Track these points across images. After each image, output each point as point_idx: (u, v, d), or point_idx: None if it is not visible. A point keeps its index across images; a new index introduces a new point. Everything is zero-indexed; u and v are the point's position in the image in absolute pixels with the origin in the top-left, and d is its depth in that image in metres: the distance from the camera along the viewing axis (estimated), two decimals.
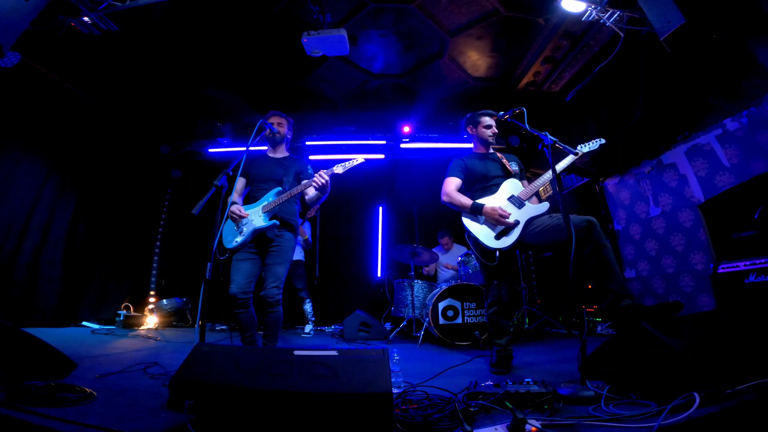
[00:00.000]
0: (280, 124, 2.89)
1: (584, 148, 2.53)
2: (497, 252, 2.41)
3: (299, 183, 2.78)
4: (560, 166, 2.46)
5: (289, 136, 2.99)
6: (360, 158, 2.69)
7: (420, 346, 3.70)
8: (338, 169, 2.61)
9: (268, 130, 2.79)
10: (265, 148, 3.00)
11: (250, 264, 2.59)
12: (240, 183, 2.81)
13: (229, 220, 2.68)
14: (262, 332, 2.63)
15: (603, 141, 2.57)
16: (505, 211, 2.41)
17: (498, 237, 2.41)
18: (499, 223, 2.41)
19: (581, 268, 2.16)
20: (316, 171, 2.61)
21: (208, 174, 6.46)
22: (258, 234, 2.61)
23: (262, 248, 2.64)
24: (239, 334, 2.64)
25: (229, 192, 2.68)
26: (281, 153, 2.94)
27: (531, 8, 4.12)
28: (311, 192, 2.71)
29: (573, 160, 2.45)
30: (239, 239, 2.60)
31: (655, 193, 4.19)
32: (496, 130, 2.81)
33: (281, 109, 3.02)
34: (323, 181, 2.52)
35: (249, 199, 2.78)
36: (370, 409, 1.29)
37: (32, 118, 4.53)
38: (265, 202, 2.65)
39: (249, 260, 2.60)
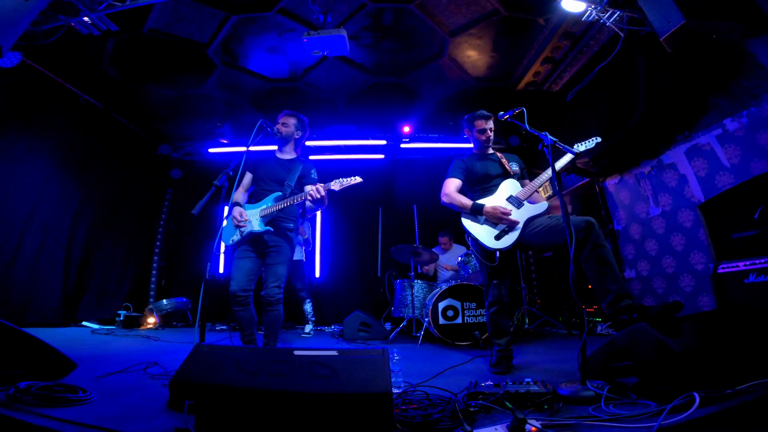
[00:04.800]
0: (284, 124, 2.85)
1: (581, 147, 2.54)
2: (497, 252, 2.41)
3: (302, 187, 2.78)
4: (558, 165, 2.45)
5: (296, 136, 2.91)
6: (358, 178, 2.66)
7: (420, 346, 3.70)
8: (335, 186, 2.58)
9: (270, 130, 2.78)
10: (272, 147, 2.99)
11: (250, 262, 2.60)
12: (247, 178, 2.80)
13: (230, 219, 2.69)
14: (262, 332, 2.64)
15: (599, 139, 2.57)
16: (507, 209, 2.41)
17: (498, 237, 2.41)
18: (501, 222, 2.41)
19: (580, 269, 2.16)
20: (320, 174, 2.62)
21: (208, 174, 6.48)
22: (254, 237, 2.63)
23: (261, 248, 2.66)
24: (239, 332, 2.65)
25: (230, 191, 2.69)
26: (289, 154, 2.91)
27: (531, 8, 4.11)
28: (307, 203, 2.71)
29: (571, 159, 2.45)
30: (236, 238, 2.64)
31: (655, 193, 4.19)
32: (491, 134, 2.77)
33: (281, 109, 3.01)
34: (318, 196, 2.51)
35: (253, 197, 2.80)
36: (370, 409, 1.29)
37: (32, 119, 4.53)
38: (264, 206, 2.66)
39: (249, 258, 2.61)
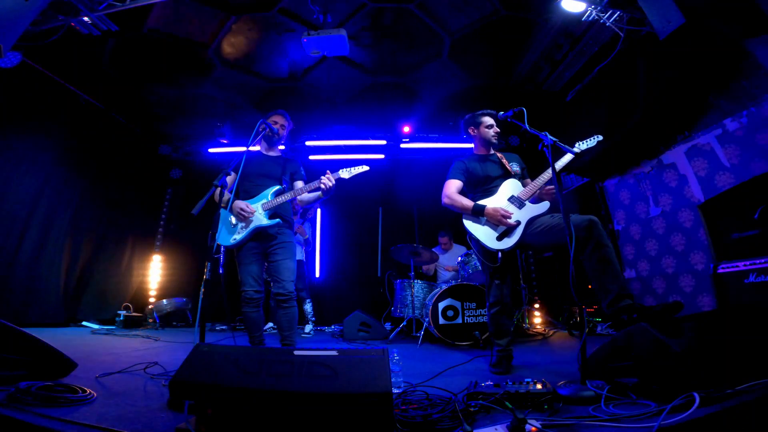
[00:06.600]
0: (282, 126, 2.90)
1: (582, 146, 2.54)
2: (499, 253, 2.41)
3: (293, 182, 2.82)
4: (558, 165, 2.45)
5: (284, 139, 3.01)
6: (365, 167, 2.73)
7: (420, 346, 3.70)
8: (344, 174, 2.64)
9: (267, 129, 2.79)
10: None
11: (256, 266, 2.61)
12: (229, 178, 2.74)
13: (223, 219, 2.66)
14: (268, 332, 2.64)
15: (600, 137, 2.56)
16: (507, 212, 2.40)
17: (500, 238, 2.41)
18: (501, 224, 2.41)
19: (582, 268, 2.16)
20: (311, 172, 2.63)
21: (208, 174, 6.47)
22: (258, 231, 2.61)
23: (264, 246, 2.64)
24: (248, 334, 2.66)
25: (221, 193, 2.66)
26: (275, 152, 2.95)
27: (531, 8, 4.12)
28: (307, 195, 2.71)
29: (571, 158, 2.44)
30: (238, 237, 2.59)
31: (655, 193, 4.19)
32: (499, 129, 2.79)
33: (282, 109, 3.02)
34: (331, 184, 2.55)
35: (240, 193, 2.72)
36: (370, 409, 1.29)
37: (32, 119, 4.53)
38: (264, 200, 2.65)
39: (255, 262, 2.61)
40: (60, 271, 4.85)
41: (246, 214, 2.57)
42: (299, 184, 2.79)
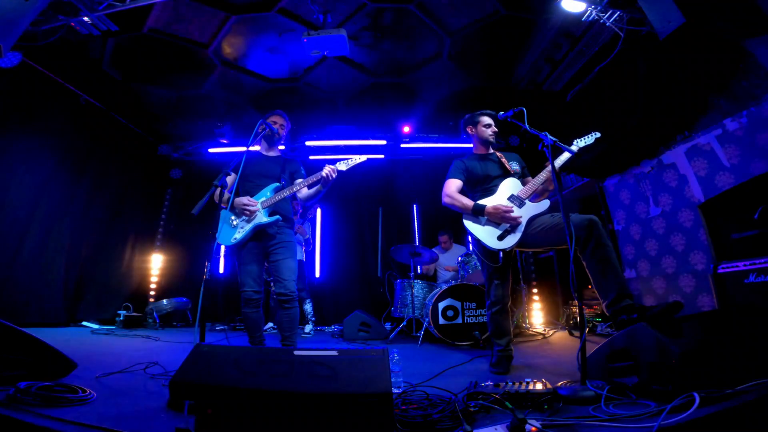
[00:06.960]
0: (282, 126, 2.90)
1: (580, 143, 2.54)
2: (500, 253, 2.41)
3: (293, 182, 2.80)
4: (557, 163, 2.44)
5: (284, 138, 3.00)
6: (363, 157, 2.70)
7: (420, 346, 3.70)
8: (342, 166, 2.62)
9: (267, 129, 2.79)
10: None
11: (256, 267, 2.61)
12: (229, 178, 2.72)
13: (223, 218, 2.66)
14: (268, 332, 2.64)
15: (598, 134, 2.57)
16: (509, 208, 2.40)
17: (501, 237, 2.40)
18: (504, 221, 2.40)
19: (582, 268, 2.16)
20: (311, 172, 2.63)
21: (208, 174, 6.48)
22: (259, 230, 2.60)
23: (264, 246, 2.63)
24: (248, 334, 2.65)
25: (221, 193, 2.65)
26: (274, 152, 2.95)
27: (531, 8, 4.12)
28: (307, 190, 2.70)
29: (570, 157, 2.44)
30: (239, 236, 2.57)
31: (655, 193, 4.19)
32: (496, 129, 2.79)
33: (281, 109, 3.02)
34: (334, 175, 2.55)
35: (241, 194, 2.71)
36: (370, 409, 1.29)
37: (33, 119, 4.53)
38: (263, 198, 2.64)
39: (255, 263, 2.61)
40: (60, 271, 4.85)
41: (252, 208, 2.56)
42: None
